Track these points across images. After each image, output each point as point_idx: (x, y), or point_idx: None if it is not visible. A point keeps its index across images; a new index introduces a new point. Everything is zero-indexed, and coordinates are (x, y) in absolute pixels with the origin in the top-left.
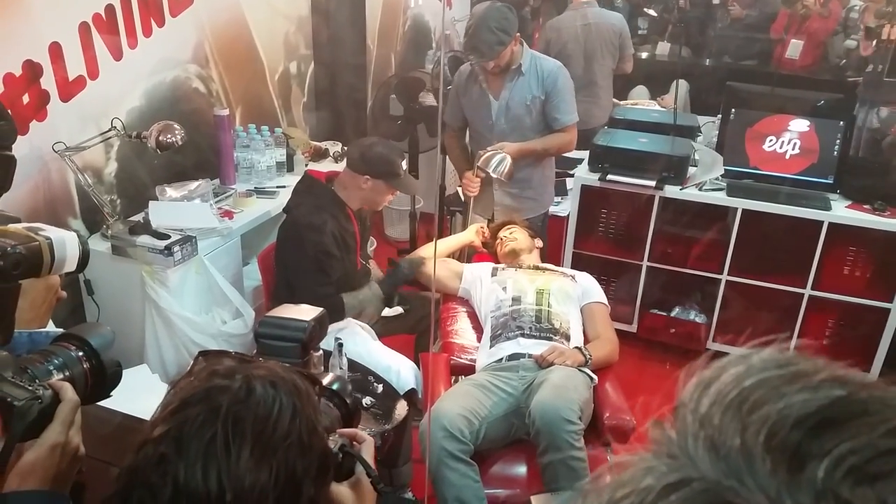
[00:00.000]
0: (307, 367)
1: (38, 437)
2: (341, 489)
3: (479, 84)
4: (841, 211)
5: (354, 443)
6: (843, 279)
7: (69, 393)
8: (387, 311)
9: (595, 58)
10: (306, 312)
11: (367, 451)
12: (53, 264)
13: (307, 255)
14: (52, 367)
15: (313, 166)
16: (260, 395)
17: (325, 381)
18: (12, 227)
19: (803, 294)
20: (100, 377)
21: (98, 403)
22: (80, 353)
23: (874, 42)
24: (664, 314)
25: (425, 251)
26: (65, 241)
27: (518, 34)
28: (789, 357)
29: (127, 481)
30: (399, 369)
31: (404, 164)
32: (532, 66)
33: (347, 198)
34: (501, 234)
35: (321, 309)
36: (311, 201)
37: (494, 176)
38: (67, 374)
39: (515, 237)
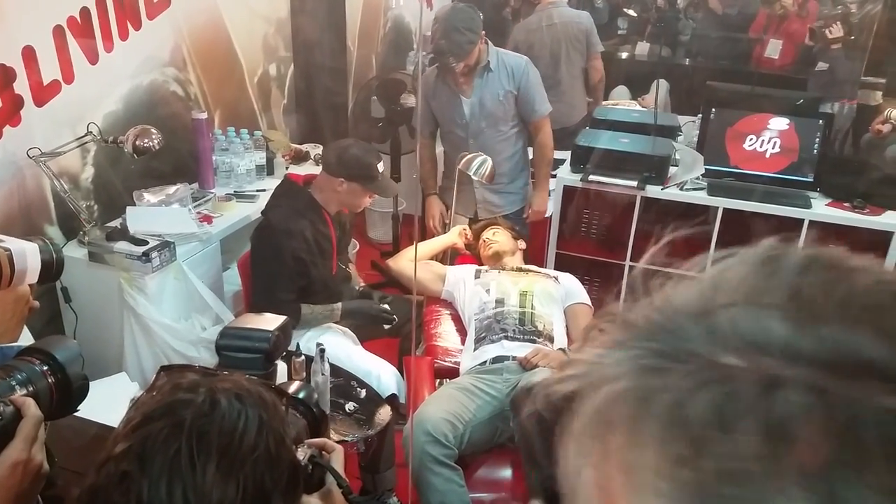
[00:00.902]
0: (272, 377)
1: None
2: (311, 501)
3: (448, 85)
4: (821, 209)
5: (324, 452)
6: None
7: (32, 409)
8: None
9: (562, 57)
10: (269, 322)
11: (338, 461)
12: (13, 276)
13: (275, 259)
14: (14, 383)
15: (294, 169)
16: (225, 409)
17: (291, 389)
18: None
19: None
20: (66, 392)
21: (76, 414)
22: (45, 368)
23: (818, 42)
24: None
25: (408, 253)
26: (25, 252)
27: (483, 32)
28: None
29: (88, 501)
30: (380, 374)
31: (381, 167)
32: (499, 62)
33: (324, 201)
34: (484, 235)
35: (284, 317)
36: (286, 204)
37: (476, 178)
38: (31, 389)
39: (498, 239)
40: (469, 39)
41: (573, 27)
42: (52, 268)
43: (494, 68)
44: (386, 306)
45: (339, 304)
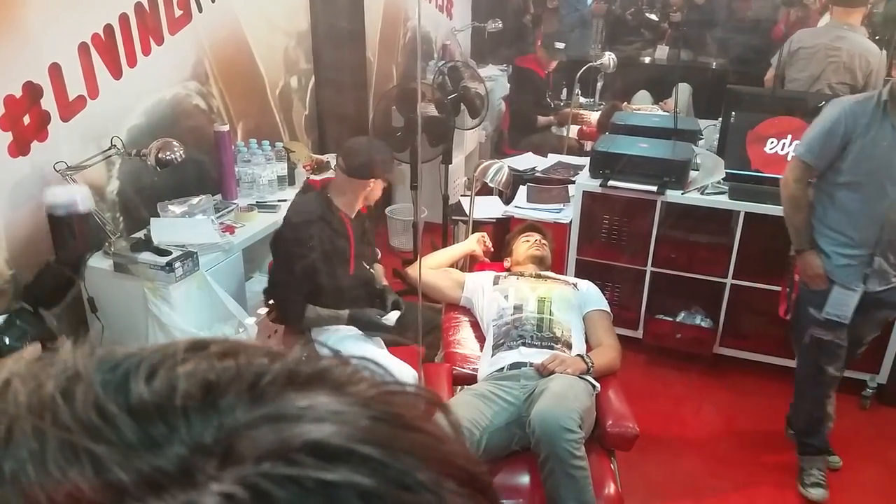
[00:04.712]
0: None
1: None
2: None
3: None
4: None
5: None
6: None
7: None
8: (387, 319)
9: (823, 84)
10: None
11: None
12: None
13: (286, 262)
14: None
15: (315, 179)
16: None
17: None
18: None
19: None
20: None
21: None
22: None
23: None
24: (670, 319)
25: (426, 261)
26: None
27: None
28: None
29: None
30: (407, 379)
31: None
32: None
33: (344, 204)
34: (534, 236)
35: None
36: (303, 209)
37: (492, 185)
38: None
39: (546, 248)
40: None
41: (859, 60)
42: None
43: None
44: (388, 322)
45: (347, 312)
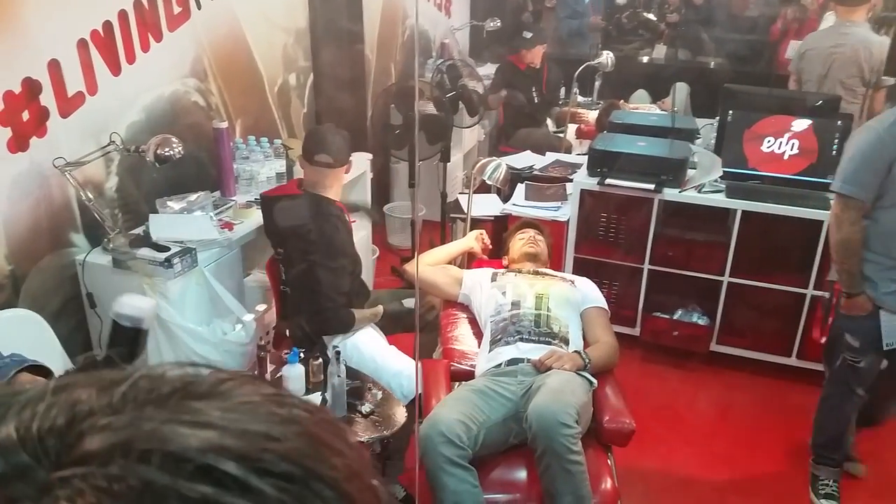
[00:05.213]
0: None
1: None
2: None
3: None
4: None
5: None
6: None
7: None
8: (407, 304)
9: (836, 83)
10: None
11: None
12: None
13: (333, 272)
14: None
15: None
16: None
17: None
18: None
19: (805, 294)
20: None
21: None
22: None
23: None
24: (667, 317)
25: (424, 258)
26: None
27: None
28: None
29: None
30: (411, 374)
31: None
32: None
33: (336, 194)
34: (529, 232)
35: None
36: (324, 215)
37: (490, 183)
38: None
39: (541, 244)
40: None
41: (863, 52)
42: None
43: None
44: (409, 306)
45: (381, 308)
